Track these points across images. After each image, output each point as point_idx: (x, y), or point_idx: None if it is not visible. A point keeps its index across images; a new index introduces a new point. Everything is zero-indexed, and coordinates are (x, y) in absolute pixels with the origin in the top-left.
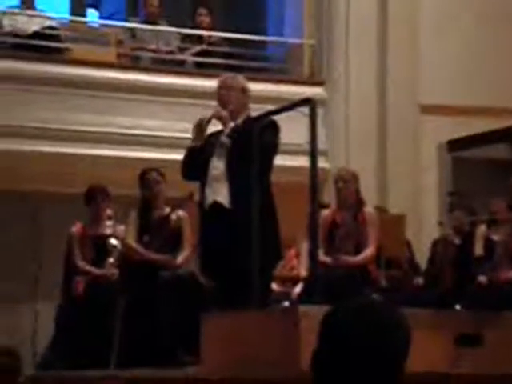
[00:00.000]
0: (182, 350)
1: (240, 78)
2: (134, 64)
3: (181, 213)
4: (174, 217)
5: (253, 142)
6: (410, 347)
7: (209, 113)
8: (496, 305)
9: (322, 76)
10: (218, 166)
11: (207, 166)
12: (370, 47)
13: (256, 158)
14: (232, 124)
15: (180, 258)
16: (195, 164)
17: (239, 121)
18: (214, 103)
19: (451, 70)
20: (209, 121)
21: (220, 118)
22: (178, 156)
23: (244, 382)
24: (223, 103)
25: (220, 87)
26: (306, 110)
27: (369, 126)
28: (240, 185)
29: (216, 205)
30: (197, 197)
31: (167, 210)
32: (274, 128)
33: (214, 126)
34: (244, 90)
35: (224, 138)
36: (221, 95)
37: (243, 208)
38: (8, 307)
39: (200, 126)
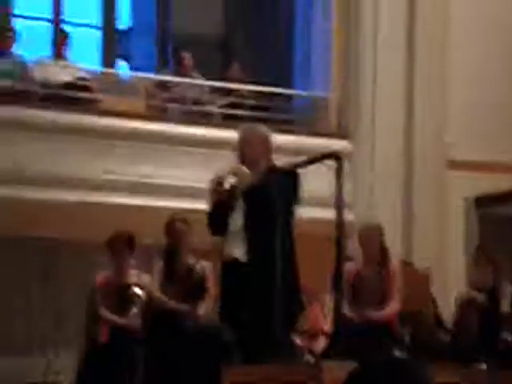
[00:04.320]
0: None
1: (259, 129)
2: (163, 115)
3: (205, 263)
4: (198, 267)
5: (272, 195)
6: None
7: (229, 165)
8: None
9: (348, 129)
10: (236, 220)
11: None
12: (397, 101)
13: (279, 210)
14: (249, 179)
15: (202, 309)
16: (219, 219)
17: (259, 171)
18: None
19: (479, 126)
20: (224, 177)
21: (236, 175)
22: (202, 206)
23: None
24: (240, 156)
25: (239, 141)
26: (331, 163)
27: (395, 181)
28: (258, 239)
29: (234, 259)
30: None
31: (192, 259)
32: (296, 179)
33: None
34: (264, 141)
35: (238, 199)
36: (239, 148)
37: (262, 262)
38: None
39: (217, 183)
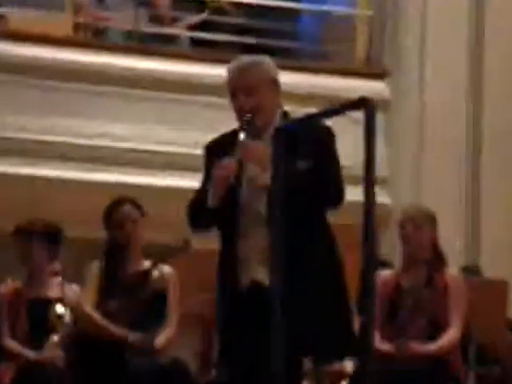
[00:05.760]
0: None
1: (266, 64)
2: (100, 41)
3: (167, 269)
4: (156, 274)
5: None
6: None
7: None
8: None
9: (383, 65)
10: (247, 218)
11: (235, 207)
12: (461, 18)
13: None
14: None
15: (161, 338)
16: (210, 210)
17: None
18: (223, 101)
19: None
20: (239, 169)
21: (260, 163)
22: (171, 181)
23: None
24: (243, 111)
25: (235, 84)
26: (358, 115)
27: (454, 142)
28: (294, 252)
29: (253, 282)
30: (197, 245)
31: (147, 263)
32: (332, 138)
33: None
34: (274, 83)
35: (264, 178)
36: (238, 98)
37: (297, 286)
38: None
39: (226, 181)
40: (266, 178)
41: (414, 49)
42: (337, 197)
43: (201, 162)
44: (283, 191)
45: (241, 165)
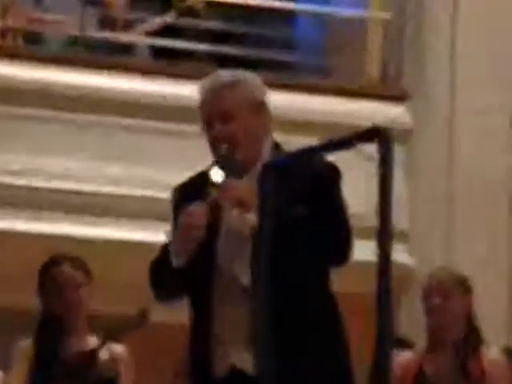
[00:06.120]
0: None
1: (250, 82)
2: (35, 51)
3: (118, 349)
4: (104, 355)
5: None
6: None
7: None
8: None
9: (402, 84)
10: (235, 271)
11: (209, 266)
12: (498, 23)
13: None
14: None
15: None
16: (179, 271)
17: (258, 169)
18: (192, 129)
19: None
20: (213, 216)
21: (243, 205)
22: (126, 233)
23: None
24: (219, 141)
25: (210, 107)
26: (371, 148)
27: (494, 183)
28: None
29: (233, 370)
30: (156, 318)
31: (93, 341)
32: (336, 177)
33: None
34: (260, 107)
35: (248, 220)
36: (213, 125)
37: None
38: None
39: (194, 231)
40: (250, 219)
41: (442, 62)
42: (341, 253)
43: (167, 209)
44: (271, 245)
45: (215, 210)
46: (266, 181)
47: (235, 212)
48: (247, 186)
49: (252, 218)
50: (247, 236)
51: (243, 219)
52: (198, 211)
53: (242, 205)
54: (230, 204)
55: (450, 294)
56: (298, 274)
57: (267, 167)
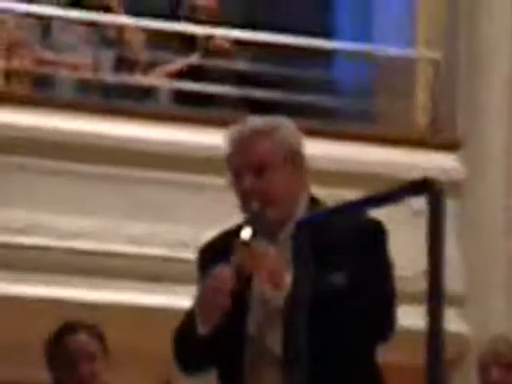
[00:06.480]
0: None
1: (284, 129)
2: (43, 96)
3: None
4: None
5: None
6: None
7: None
8: None
9: (454, 131)
10: (267, 342)
11: (239, 344)
12: None
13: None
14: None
15: None
16: (209, 343)
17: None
18: (219, 182)
19: None
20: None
21: (271, 276)
22: (147, 299)
23: None
24: (250, 197)
25: (240, 159)
26: (420, 203)
27: None
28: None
29: None
30: None
31: None
32: (381, 235)
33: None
34: (296, 157)
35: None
36: (243, 179)
37: None
38: None
39: (220, 297)
40: (277, 298)
41: (500, 106)
42: (386, 326)
43: (193, 271)
44: (306, 317)
45: (243, 273)
46: (299, 243)
47: (267, 285)
48: (276, 255)
49: (279, 296)
50: (280, 304)
51: (270, 294)
52: (223, 274)
53: (269, 277)
54: (257, 272)
55: (510, 367)
56: (338, 349)
57: (301, 226)
